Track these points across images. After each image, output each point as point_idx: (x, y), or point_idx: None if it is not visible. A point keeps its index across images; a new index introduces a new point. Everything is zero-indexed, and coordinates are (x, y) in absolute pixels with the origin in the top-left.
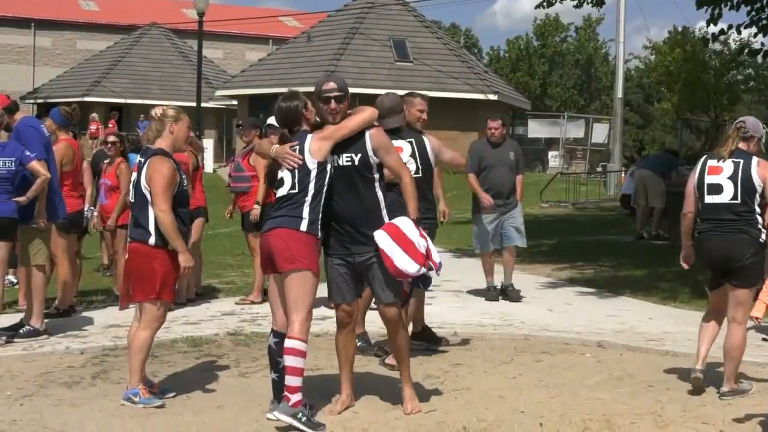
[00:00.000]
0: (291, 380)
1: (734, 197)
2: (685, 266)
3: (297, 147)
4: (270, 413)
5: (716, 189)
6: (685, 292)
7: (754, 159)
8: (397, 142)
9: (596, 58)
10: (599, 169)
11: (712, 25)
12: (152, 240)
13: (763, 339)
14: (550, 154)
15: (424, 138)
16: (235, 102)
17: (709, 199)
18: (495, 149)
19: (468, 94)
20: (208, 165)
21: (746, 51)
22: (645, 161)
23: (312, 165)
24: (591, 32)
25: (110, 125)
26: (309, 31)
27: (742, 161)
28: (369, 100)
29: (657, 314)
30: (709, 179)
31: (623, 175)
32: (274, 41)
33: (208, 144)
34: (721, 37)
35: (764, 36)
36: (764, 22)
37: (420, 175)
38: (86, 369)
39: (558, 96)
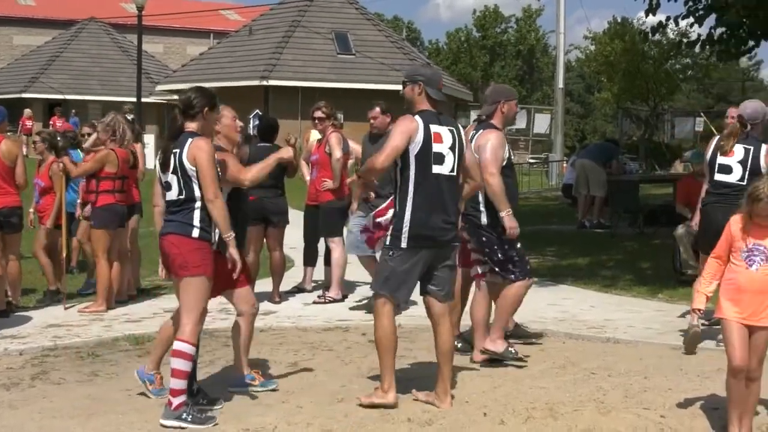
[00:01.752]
0: (175, 383)
1: (741, 179)
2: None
3: (176, 150)
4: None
5: (726, 169)
6: (626, 280)
7: (764, 146)
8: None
9: (537, 49)
10: (541, 160)
11: (650, 15)
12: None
13: (703, 324)
14: None
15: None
16: (176, 96)
17: (719, 177)
18: (374, 143)
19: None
20: (150, 161)
21: (684, 41)
22: (586, 151)
23: (191, 171)
24: (531, 23)
25: (57, 122)
26: (250, 25)
27: (752, 147)
28: (311, 93)
29: (598, 302)
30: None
31: (565, 164)
32: (216, 35)
33: (150, 139)
34: (659, 30)
35: (701, 26)
36: (701, 12)
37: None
38: (25, 370)
39: None
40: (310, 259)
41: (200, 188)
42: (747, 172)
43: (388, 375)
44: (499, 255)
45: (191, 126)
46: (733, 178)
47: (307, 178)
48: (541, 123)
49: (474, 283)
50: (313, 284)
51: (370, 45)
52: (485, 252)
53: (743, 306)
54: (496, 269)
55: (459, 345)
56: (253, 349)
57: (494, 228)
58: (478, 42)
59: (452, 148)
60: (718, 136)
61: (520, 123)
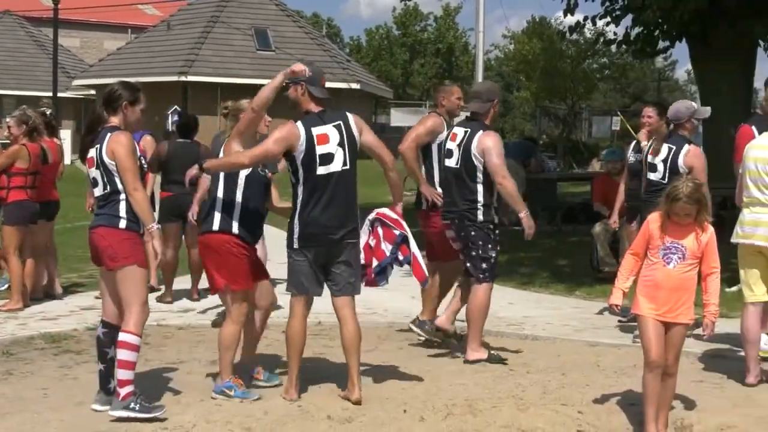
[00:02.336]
0: (122, 374)
1: (663, 177)
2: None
3: (97, 146)
4: (95, 404)
5: (653, 168)
6: (543, 277)
7: (685, 147)
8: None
9: (456, 47)
10: None
11: (569, 15)
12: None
13: (620, 321)
14: None
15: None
16: (93, 92)
17: (649, 176)
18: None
19: (331, 83)
20: (66, 156)
21: (601, 41)
22: (505, 149)
23: (112, 166)
24: (450, 22)
25: None
26: (168, 20)
27: (675, 147)
28: (230, 89)
29: (517, 299)
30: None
31: None
32: (133, 30)
33: (66, 135)
34: (577, 29)
35: (617, 26)
36: (618, 13)
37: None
38: None
39: (420, 85)
40: None
41: (121, 181)
42: (668, 171)
43: (291, 373)
44: (480, 251)
45: (114, 120)
46: (657, 176)
47: None
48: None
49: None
50: None
51: (290, 41)
52: (467, 246)
53: (659, 302)
54: (468, 264)
55: (433, 339)
56: (172, 347)
57: (486, 226)
58: (398, 39)
59: (341, 144)
60: (653, 138)
61: None
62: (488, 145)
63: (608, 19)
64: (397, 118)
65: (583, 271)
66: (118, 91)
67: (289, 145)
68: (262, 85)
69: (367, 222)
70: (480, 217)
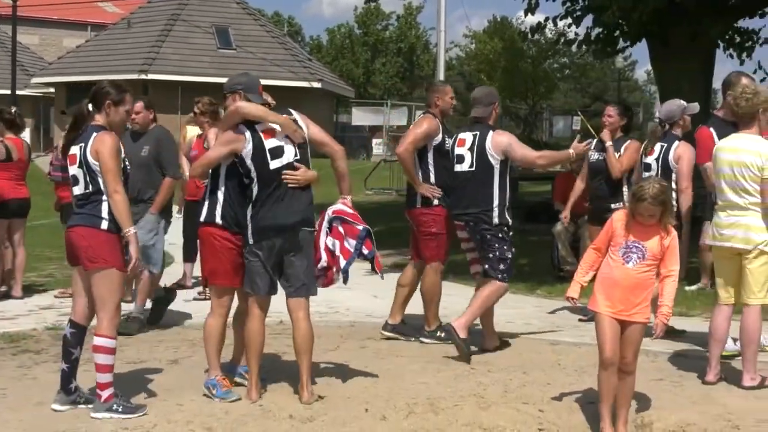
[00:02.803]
0: (101, 377)
1: (656, 175)
2: None
3: (81, 144)
4: (55, 404)
5: (648, 167)
6: None
7: (676, 143)
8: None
9: (418, 46)
10: None
11: (530, 14)
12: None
13: (580, 320)
14: (374, 141)
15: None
16: (52, 90)
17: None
18: (135, 141)
19: (292, 82)
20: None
21: (562, 41)
22: None
23: (95, 166)
24: (412, 21)
25: None
26: (129, 17)
27: (666, 144)
28: (191, 87)
29: None
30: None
31: None
32: (93, 27)
33: (25, 133)
34: (538, 30)
35: (578, 26)
36: (579, 13)
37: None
38: None
39: (381, 84)
40: (189, 255)
41: (103, 181)
42: (660, 169)
43: (252, 373)
44: (497, 253)
45: (99, 119)
46: (651, 175)
47: (187, 173)
48: None
49: (476, 280)
50: (193, 280)
51: (251, 40)
52: (483, 248)
53: (616, 300)
54: (486, 266)
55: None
56: (132, 347)
57: (501, 227)
58: (359, 39)
59: (288, 137)
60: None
61: (401, 120)
62: (505, 141)
63: (569, 19)
64: (359, 117)
65: (544, 270)
66: (104, 89)
67: (233, 147)
68: (223, 84)
69: (325, 222)
70: (495, 219)
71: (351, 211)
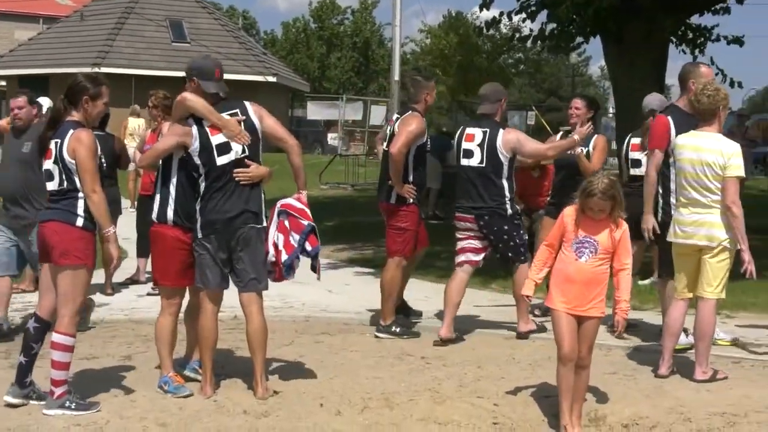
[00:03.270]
0: (56, 374)
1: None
2: None
3: (57, 140)
4: (7, 396)
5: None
6: None
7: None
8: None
9: (373, 40)
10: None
11: (485, 9)
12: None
13: (534, 315)
14: (329, 136)
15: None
16: (4, 83)
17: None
18: (18, 138)
19: (247, 76)
20: None
21: (517, 36)
22: None
23: (71, 165)
24: (367, 15)
25: None
26: (82, 10)
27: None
28: (144, 81)
29: (433, 292)
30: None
31: None
32: (45, 20)
33: None
34: (494, 25)
35: (533, 22)
36: (533, 8)
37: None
38: None
39: (336, 78)
40: (143, 251)
41: (80, 180)
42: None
43: (205, 369)
44: (518, 240)
45: (75, 115)
46: (641, 170)
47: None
48: (377, 115)
49: (459, 269)
50: (147, 275)
51: (205, 33)
52: (505, 239)
53: (571, 296)
54: (510, 254)
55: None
56: (86, 343)
57: (514, 217)
58: (314, 33)
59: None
60: (630, 134)
61: (357, 114)
62: (514, 138)
63: (524, 15)
64: (314, 111)
65: (497, 265)
66: (81, 83)
67: (182, 142)
68: (177, 78)
69: (274, 216)
70: (509, 210)
71: (299, 205)
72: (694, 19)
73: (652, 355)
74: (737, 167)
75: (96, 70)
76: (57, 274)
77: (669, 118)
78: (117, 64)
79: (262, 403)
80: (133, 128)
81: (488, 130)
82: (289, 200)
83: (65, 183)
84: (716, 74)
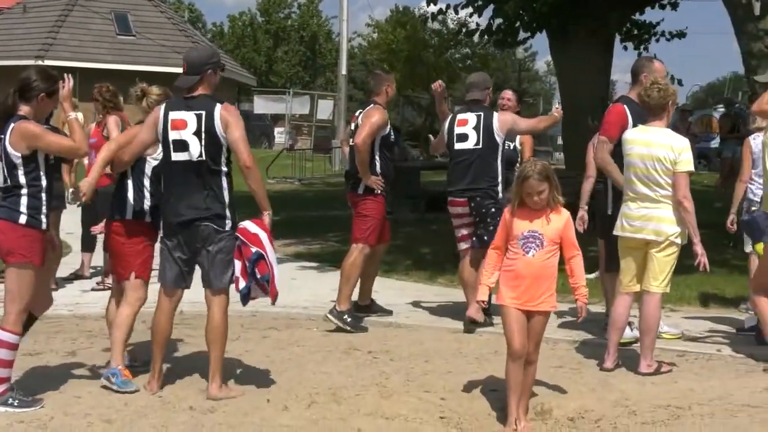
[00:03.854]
0: (0, 371)
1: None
2: None
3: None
4: None
5: None
6: (407, 265)
7: None
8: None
9: (320, 34)
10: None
11: (432, 4)
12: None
13: (484, 310)
14: (276, 130)
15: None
16: None
17: None
18: None
19: None
20: None
21: (464, 32)
22: None
23: (17, 159)
24: (314, 9)
25: None
26: (25, 2)
27: None
28: (89, 74)
29: (380, 287)
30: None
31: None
32: None
33: None
34: (440, 17)
35: (480, 16)
36: (480, 3)
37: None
38: None
39: (283, 72)
40: (88, 245)
41: (24, 174)
42: None
43: (154, 364)
44: (496, 223)
45: (24, 109)
46: None
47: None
48: (325, 109)
49: (466, 256)
50: (92, 271)
51: (151, 26)
52: (488, 221)
53: (520, 292)
54: (485, 237)
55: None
56: (29, 338)
57: (502, 201)
58: (261, 26)
59: (197, 134)
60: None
61: (304, 108)
62: (510, 119)
63: (471, 9)
64: (261, 105)
65: (445, 259)
66: (35, 81)
67: (153, 128)
68: (122, 71)
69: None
70: (500, 193)
71: (253, 230)
72: (639, 16)
73: (597, 348)
74: (688, 162)
75: (39, 62)
76: (6, 273)
77: (625, 107)
78: (61, 57)
79: (209, 396)
80: (92, 124)
81: (482, 113)
82: (245, 224)
83: (8, 180)
84: None
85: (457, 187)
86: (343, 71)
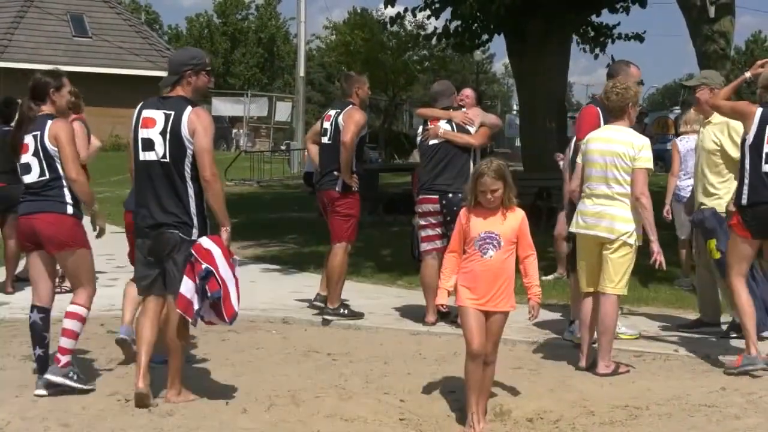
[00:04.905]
0: (67, 342)
1: None
2: None
3: (36, 132)
4: (38, 390)
5: None
6: (366, 267)
7: None
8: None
9: (278, 36)
10: (283, 147)
11: (389, 6)
12: None
13: (441, 309)
14: (234, 132)
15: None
16: None
17: None
18: None
19: (150, 72)
20: None
21: (422, 36)
22: None
23: (55, 153)
24: (272, 11)
25: None
26: None
27: None
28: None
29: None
30: None
31: (306, 153)
32: None
33: None
34: (398, 20)
35: (437, 19)
36: (437, 5)
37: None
38: None
39: (241, 74)
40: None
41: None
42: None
43: (137, 363)
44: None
45: (45, 108)
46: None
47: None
48: (283, 111)
49: (428, 257)
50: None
51: (107, 28)
52: (454, 221)
53: (479, 292)
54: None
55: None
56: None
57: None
58: (219, 28)
59: (162, 134)
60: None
61: (262, 111)
62: (476, 113)
63: (428, 12)
64: (218, 107)
65: (404, 261)
66: (43, 80)
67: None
68: (78, 73)
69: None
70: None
71: (206, 246)
72: (596, 18)
73: (556, 349)
74: (647, 159)
75: None
76: (62, 263)
77: (598, 109)
78: (16, 59)
79: (166, 401)
80: None
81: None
82: (200, 240)
83: (47, 173)
84: None
85: (427, 183)
86: (302, 73)
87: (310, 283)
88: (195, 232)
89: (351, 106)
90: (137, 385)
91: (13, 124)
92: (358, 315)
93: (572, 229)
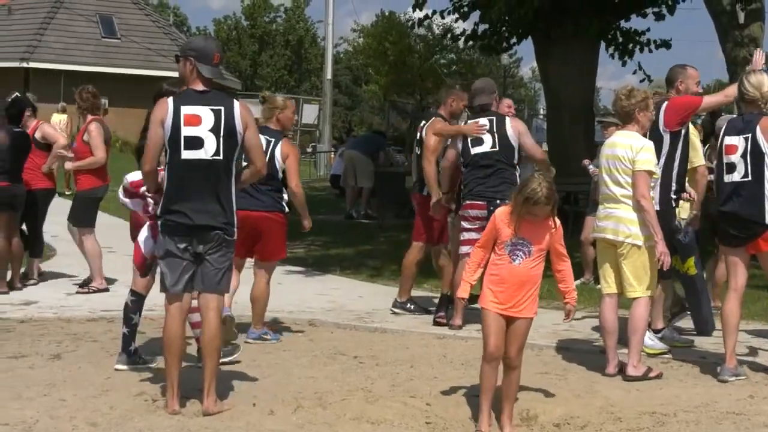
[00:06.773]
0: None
1: None
2: None
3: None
4: (117, 364)
5: None
6: (392, 270)
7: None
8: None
9: (306, 39)
10: (309, 150)
11: (417, 10)
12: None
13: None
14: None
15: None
16: None
17: None
18: None
19: (177, 73)
20: None
21: (449, 36)
22: (354, 142)
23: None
24: (300, 14)
25: None
26: (9, 4)
27: None
28: (74, 76)
29: (366, 292)
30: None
31: (333, 155)
32: None
33: None
34: (426, 22)
35: (465, 21)
36: (465, 9)
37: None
38: None
39: (269, 76)
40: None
41: None
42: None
43: (169, 379)
44: None
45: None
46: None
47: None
48: (310, 113)
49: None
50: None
51: (135, 29)
52: None
53: (504, 297)
54: None
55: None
56: (14, 341)
57: None
58: (247, 31)
59: (214, 131)
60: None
61: None
62: (523, 128)
63: (456, 15)
64: None
65: (430, 264)
66: (166, 89)
67: (161, 123)
68: (106, 74)
69: None
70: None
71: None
72: (625, 24)
73: (583, 355)
74: (645, 161)
75: (24, 65)
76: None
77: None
78: (46, 60)
79: (194, 402)
80: (54, 124)
81: (494, 118)
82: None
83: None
84: (642, 80)
85: (475, 189)
86: (329, 76)
87: (335, 286)
88: (235, 231)
89: (435, 118)
90: (173, 408)
91: (21, 125)
92: (426, 311)
93: (591, 233)
